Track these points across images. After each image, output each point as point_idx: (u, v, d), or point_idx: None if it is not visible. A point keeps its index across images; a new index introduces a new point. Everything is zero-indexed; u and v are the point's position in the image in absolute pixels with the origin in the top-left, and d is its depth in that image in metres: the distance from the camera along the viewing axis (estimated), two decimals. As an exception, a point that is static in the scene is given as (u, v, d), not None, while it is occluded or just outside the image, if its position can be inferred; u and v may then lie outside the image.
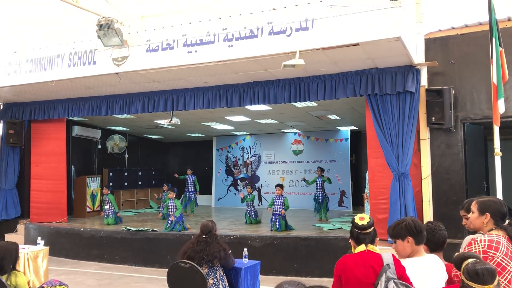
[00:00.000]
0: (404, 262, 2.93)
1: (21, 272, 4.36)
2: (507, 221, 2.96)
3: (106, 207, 10.99)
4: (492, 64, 5.70)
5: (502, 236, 2.86)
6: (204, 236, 4.77)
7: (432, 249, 3.23)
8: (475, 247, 2.81)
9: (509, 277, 2.74)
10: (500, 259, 2.74)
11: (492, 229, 2.95)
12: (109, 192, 11.33)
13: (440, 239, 3.29)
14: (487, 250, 2.76)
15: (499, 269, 2.71)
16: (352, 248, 3.06)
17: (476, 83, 7.20)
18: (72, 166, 13.41)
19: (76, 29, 8.20)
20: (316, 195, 11.42)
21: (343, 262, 2.98)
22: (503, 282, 2.73)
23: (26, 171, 11.25)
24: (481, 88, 7.13)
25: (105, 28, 7.24)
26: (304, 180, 12.13)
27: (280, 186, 9.89)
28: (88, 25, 7.67)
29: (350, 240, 3.10)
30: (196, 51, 7.15)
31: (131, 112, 9.69)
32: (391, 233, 3.06)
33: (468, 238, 3.33)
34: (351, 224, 3.10)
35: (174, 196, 10.06)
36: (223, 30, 6.95)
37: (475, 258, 2.29)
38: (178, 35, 7.29)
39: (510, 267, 2.77)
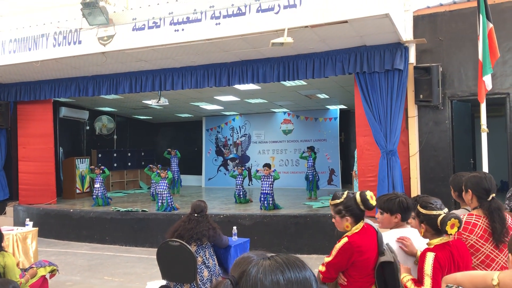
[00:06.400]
0: (387, 232, 2.95)
1: (9, 253, 4.34)
2: (491, 196, 2.94)
3: (97, 185, 10.94)
4: (479, 40, 5.70)
5: (482, 217, 2.91)
6: (196, 215, 4.79)
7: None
8: None
9: (482, 257, 2.87)
10: (474, 241, 2.87)
11: (476, 207, 2.99)
12: (101, 172, 11.22)
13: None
14: (462, 232, 2.86)
15: (472, 250, 2.86)
16: (344, 226, 2.85)
17: (464, 60, 7.21)
18: (60, 148, 13.31)
19: (60, 7, 8.03)
20: (307, 173, 11.48)
21: (359, 244, 2.75)
22: (475, 262, 2.86)
23: (14, 153, 11.13)
24: (469, 65, 7.14)
25: (90, 6, 7.08)
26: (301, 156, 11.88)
27: (268, 165, 9.91)
28: (73, 4, 7.52)
29: (346, 217, 2.83)
30: (183, 29, 7.04)
31: (118, 92, 9.58)
32: (381, 205, 2.97)
33: None
34: (352, 203, 2.84)
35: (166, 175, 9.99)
36: (210, 8, 6.84)
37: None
38: (165, 13, 7.17)
39: (485, 249, 2.87)
